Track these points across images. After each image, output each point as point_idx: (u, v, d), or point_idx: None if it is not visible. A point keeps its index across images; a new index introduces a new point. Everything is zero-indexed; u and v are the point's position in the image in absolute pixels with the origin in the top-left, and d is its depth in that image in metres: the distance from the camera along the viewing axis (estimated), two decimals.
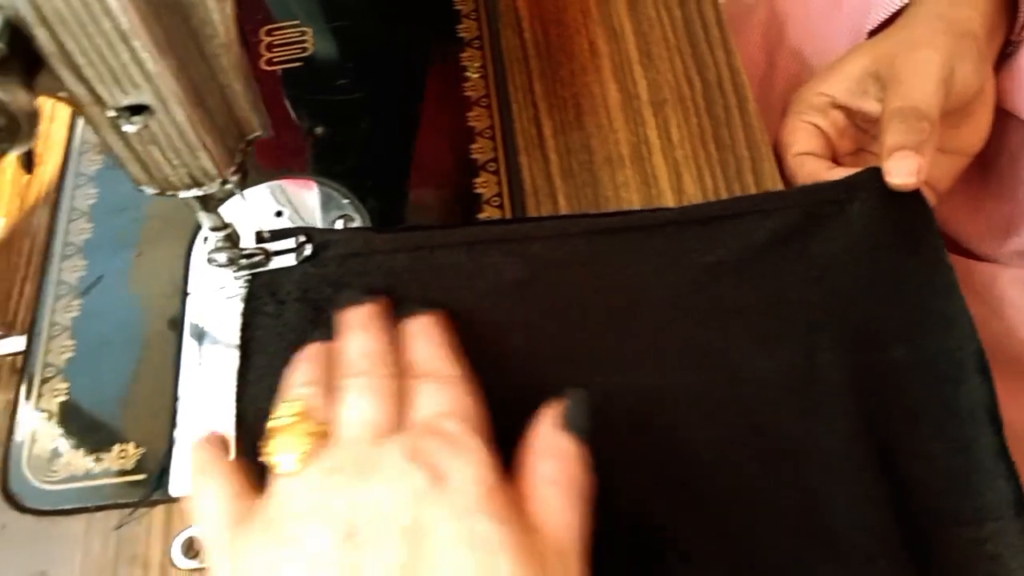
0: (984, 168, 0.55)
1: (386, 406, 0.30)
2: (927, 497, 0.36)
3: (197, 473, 0.31)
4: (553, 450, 0.30)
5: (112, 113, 0.28)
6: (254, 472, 0.30)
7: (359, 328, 0.34)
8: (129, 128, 0.28)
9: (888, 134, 0.39)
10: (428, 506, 0.27)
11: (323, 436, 0.30)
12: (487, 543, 0.27)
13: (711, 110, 0.44)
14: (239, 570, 0.28)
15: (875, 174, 0.38)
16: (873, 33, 0.50)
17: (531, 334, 0.39)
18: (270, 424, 0.30)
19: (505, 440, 0.33)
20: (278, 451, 0.29)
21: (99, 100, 0.28)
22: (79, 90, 0.28)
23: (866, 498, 0.35)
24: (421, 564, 0.26)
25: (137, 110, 0.29)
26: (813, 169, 0.42)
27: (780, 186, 0.42)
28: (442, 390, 0.31)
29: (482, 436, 0.30)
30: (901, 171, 0.37)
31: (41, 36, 0.26)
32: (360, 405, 0.30)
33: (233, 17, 0.28)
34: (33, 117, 0.27)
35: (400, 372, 0.32)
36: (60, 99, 0.29)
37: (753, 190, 0.42)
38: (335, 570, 0.26)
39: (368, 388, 0.31)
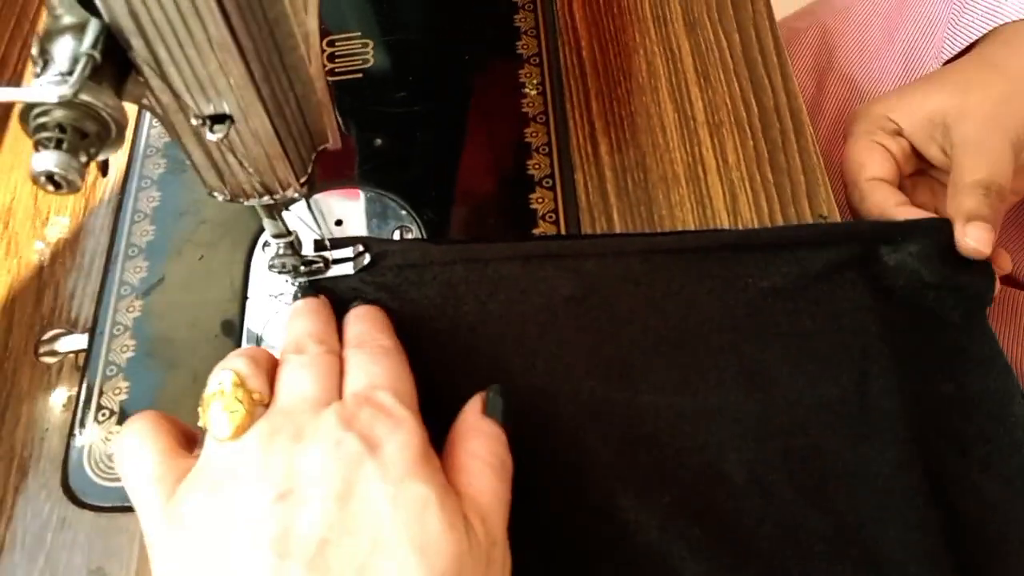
0: None
1: (322, 379, 0.32)
2: (978, 528, 0.36)
3: (127, 436, 0.31)
4: (478, 430, 0.33)
5: (195, 121, 0.29)
6: (184, 437, 0.32)
7: (302, 313, 0.35)
8: (211, 136, 0.29)
9: (967, 198, 0.40)
10: (361, 470, 0.28)
11: (259, 404, 0.31)
12: (415, 502, 0.28)
13: (767, 134, 0.45)
14: (173, 524, 0.29)
15: (940, 225, 0.39)
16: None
17: (584, 350, 0.39)
18: (205, 392, 0.31)
19: (552, 448, 0.34)
20: (212, 417, 0.30)
21: (184, 108, 0.29)
22: (165, 97, 0.28)
23: (918, 525, 0.35)
24: (351, 523, 0.27)
25: (219, 119, 0.29)
26: (882, 198, 0.42)
27: (834, 211, 0.42)
28: (373, 361, 0.33)
29: (411, 407, 0.31)
30: (977, 239, 0.39)
31: (137, 45, 0.26)
32: (297, 377, 0.31)
33: (316, 31, 0.29)
34: (123, 123, 0.28)
35: (336, 350, 0.34)
36: (143, 106, 0.30)
37: (807, 215, 0.42)
38: (268, 526, 0.27)
39: (305, 362, 0.32)
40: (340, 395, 0.32)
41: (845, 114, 0.65)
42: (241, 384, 0.31)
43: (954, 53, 0.49)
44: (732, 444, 0.37)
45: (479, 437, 0.32)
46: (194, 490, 0.29)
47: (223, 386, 0.31)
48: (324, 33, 0.51)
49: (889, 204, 0.41)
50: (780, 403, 0.37)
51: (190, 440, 0.32)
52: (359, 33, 0.50)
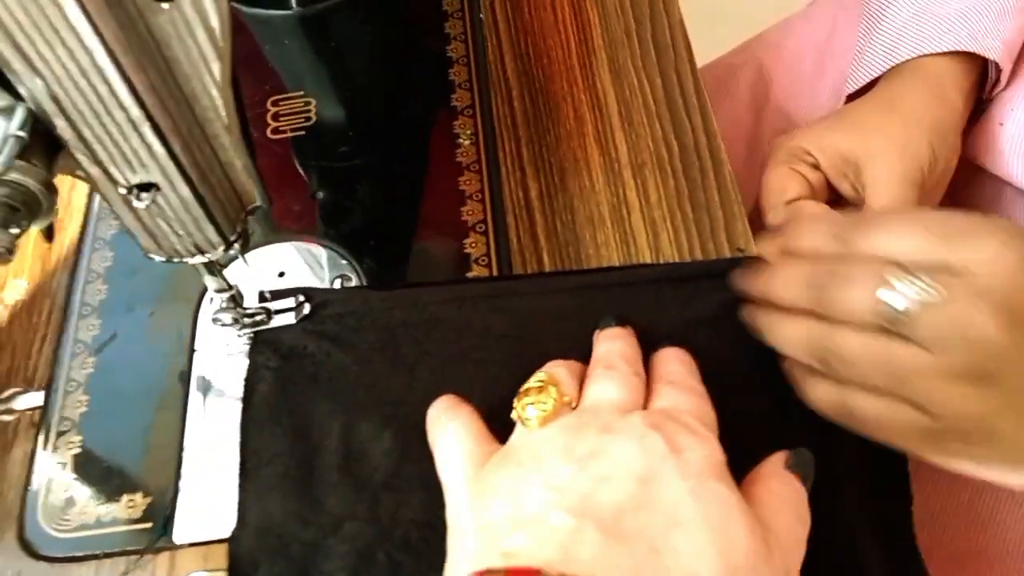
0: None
1: (629, 391, 0.34)
2: None
3: (436, 420, 0.35)
4: (782, 477, 0.33)
5: (123, 190, 0.31)
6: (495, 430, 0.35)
7: (613, 336, 0.38)
8: (139, 204, 0.31)
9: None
10: (663, 464, 0.29)
11: (567, 405, 0.33)
12: (716, 498, 0.29)
13: (688, 172, 0.47)
14: (480, 492, 0.31)
15: None
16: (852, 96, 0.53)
17: (519, 385, 0.41)
18: (523, 387, 0.34)
19: None
20: (525, 407, 0.33)
21: (112, 179, 0.31)
22: (94, 171, 0.31)
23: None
24: (649, 501, 0.28)
25: (146, 187, 0.32)
26: (814, 212, 0.44)
27: (751, 244, 0.44)
28: (683, 393, 0.34)
29: (715, 436, 0.32)
30: None
31: (61, 126, 0.29)
32: (605, 386, 0.34)
33: (232, 103, 0.31)
34: (51, 196, 0.30)
35: (643, 375, 0.36)
36: (77, 177, 0.32)
37: (726, 249, 0.44)
38: (568, 492, 0.29)
39: (615, 376, 0.34)
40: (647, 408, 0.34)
41: None
42: (554, 384, 0.33)
43: (855, 89, 0.52)
44: None
45: (786, 484, 0.32)
46: (500, 465, 0.31)
47: (538, 384, 0.34)
48: (270, 92, 0.53)
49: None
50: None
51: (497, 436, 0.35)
52: (303, 92, 0.53)
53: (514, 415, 0.34)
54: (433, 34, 0.54)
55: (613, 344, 0.37)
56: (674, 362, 0.37)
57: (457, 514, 0.32)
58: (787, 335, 0.35)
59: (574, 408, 0.33)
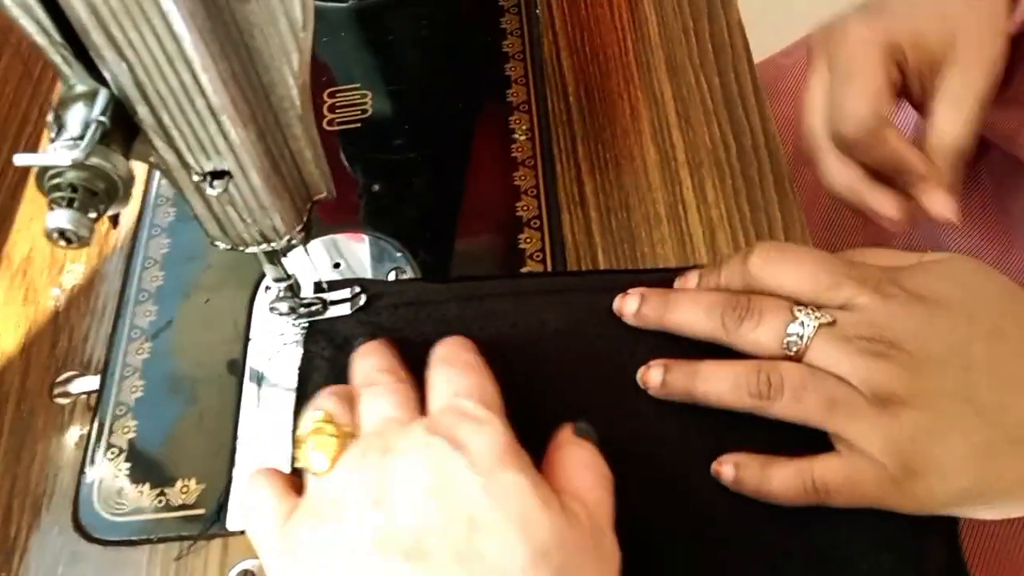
0: (1004, 235, 0.57)
1: (401, 402, 0.33)
2: None
3: (248, 486, 0.33)
4: (574, 443, 0.34)
5: (197, 177, 0.32)
6: (295, 483, 0.33)
7: (365, 353, 0.37)
8: (211, 191, 0.32)
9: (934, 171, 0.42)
10: (450, 465, 0.29)
11: (349, 437, 0.32)
12: (508, 487, 0.29)
13: (746, 172, 0.47)
14: (288, 554, 0.30)
15: None
16: None
17: (574, 379, 0.41)
18: (297, 433, 0.33)
19: None
20: (309, 454, 0.31)
21: (186, 165, 0.31)
22: (170, 156, 0.31)
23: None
24: (445, 511, 0.28)
25: (219, 175, 0.32)
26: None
27: (809, 244, 0.44)
28: (456, 373, 0.34)
29: (497, 412, 0.32)
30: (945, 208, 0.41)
31: (142, 111, 0.29)
32: (377, 403, 0.33)
33: (308, 92, 0.32)
34: (130, 182, 0.30)
35: (406, 379, 0.35)
36: (150, 163, 0.32)
37: None
38: (367, 532, 0.28)
39: (382, 391, 0.34)
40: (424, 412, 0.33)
41: None
42: (330, 420, 0.32)
43: None
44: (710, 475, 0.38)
45: (577, 447, 0.34)
46: (301, 521, 0.31)
47: (314, 425, 0.32)
48: (326, 85, 0.53)
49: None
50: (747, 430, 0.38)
51: (297, 486, 0.34)
52: (359, 85, 0.53)
53: (299, 465, 0.32)
54: (489, 29, 0.54)
55: (365, 362, 0.36)
56: (445, 344, 0.36)
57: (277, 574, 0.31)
58: (723, 376, 0.35)
59: (356, 436, 0.32)
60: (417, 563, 0.28)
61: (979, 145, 0.60)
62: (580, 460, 0.33)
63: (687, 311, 0.37)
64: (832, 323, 0.34)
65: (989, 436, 0.32)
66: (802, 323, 0.34)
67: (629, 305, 0.39)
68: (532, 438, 0.39)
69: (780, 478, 0.35)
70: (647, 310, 0.39)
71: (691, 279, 0.40)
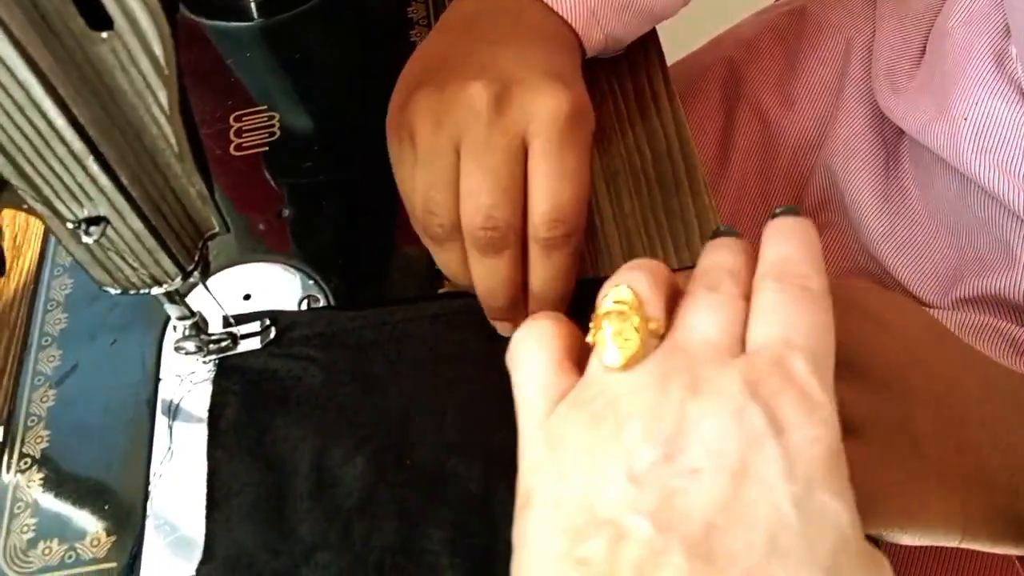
0: (931, 219, 0.57)
1: (730, 327, 0.27)
2: None
3: (523, 339, 0.30)
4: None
5: (70, 225, 0.30)
6: (577, 339, 0.29)
7: (724, 246, 0.30)
8: (87, 239, 0.30)
9: None
10: (761, 453, 0.24)
11: (654, 335, 0.27)
12: (825, 520, 0.23)
13: (661, 179, 0.46)
14: (549, 443, 0.27)
15: None
16: None
17: (492, 401, 0.40)
18: (598, 307, 0.28)
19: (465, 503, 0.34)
20: (604, 340, 0.27)
21: (58, 214, 0.30)
22: (38, 206, 0.29)
23: None
24: (746, 511, 0.23)
25: (95, 221, 0.30)
26: None
27: None
28: (794, 306, 0.27)
29: (830, 387, 0.26)
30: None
31: (0, 162, 0.27)
32: (703, 318, 0.27)
33: (183, 130, 0.30)
34: None
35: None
36: (24, 211, 0.31)
37: None
38: (650, 491, 0.24)
39: (716, 303, 0.27)
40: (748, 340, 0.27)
41: (756, 144, 0.67)
42: (639, 308, 0.27)
43: None
44: None
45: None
46: (574, 415, 0.27)
47: (617, 307, 0.27)
48: (232, 108, 0.52)
49: None
50: None
51: (584, 351, 0.29)
52: (265, 106, 0.51)
53: (590, 338, 0.28)
54: (398, 42, 0.53)
55: (719, 256, 0.29)
56: (787, 242, 0.29)
57: (533, 464, 0.27)
58: None
59: (663, 336, 0.27)
60: (698, 562, 0.23)
61: (898, 132, 0.60)
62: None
63: None
64: None
65: (920, 469, 0.31)
66: None
67: None
68: (454, 464, 0.39)
69: None
70: None
71: None
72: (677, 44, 0.56)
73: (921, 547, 0.51)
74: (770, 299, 0.27)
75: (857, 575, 0.23)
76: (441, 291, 0.44)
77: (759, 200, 0.67)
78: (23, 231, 0.49)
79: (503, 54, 0.38)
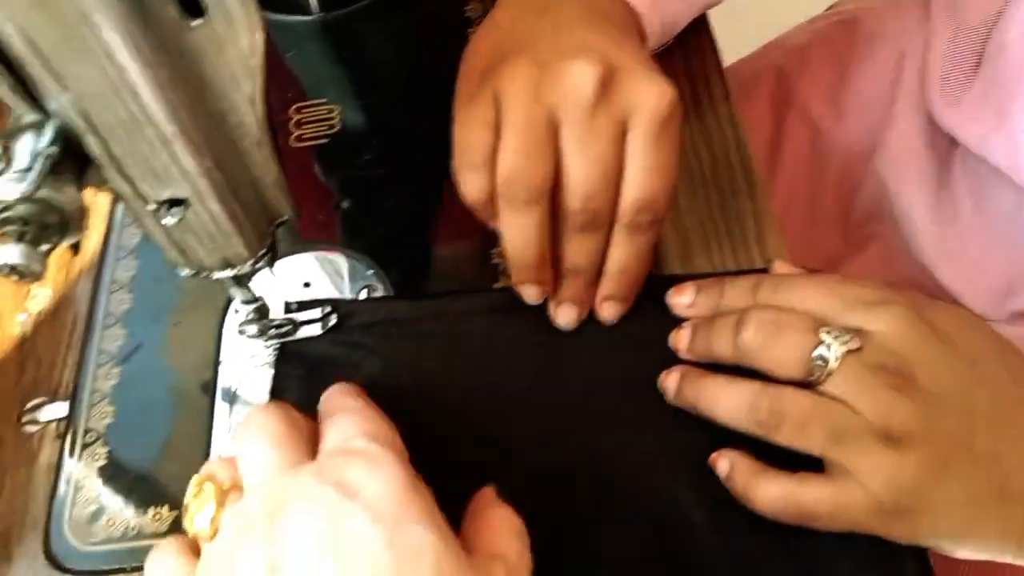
0: (985, 231, 0.57)
1: (288, 444, 0.30)
2: None
3: (153, 550, 0.31)
4: (497, 505, 0.33)
5: (152, 206, 0.31)
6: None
7: (261, 409, 0.33)
8: (168, 220, 0.31)
9: None
10: (347, 520, 0.27)
11: (233, 490, 0.30)
12: (414, 546, 0.26)
13: (717, 182, 0.46)
14: None
15: None
16: None
17: (550, 395, 0.40)
18: (184, 504, 0.30)
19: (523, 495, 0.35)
20: (192, 519, 0.29)
21: (141, 195, 0.31)
22: (123, 187, 0.30)
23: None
24: (353, 567, 0.26)
25: (175, 203, 0.31)
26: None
27: (784, 255, 0.44)
28: (346, 419, 0.31)
29: (390, 447, 0.30)
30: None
31: (91, 142, 0.28)
32: (258, 448, 0.30)
33: (264, 118, 0.31)
34: (82, 212, 0.30)
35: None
36: (106, 191, 0.32)
37: (758, 260, 0.43)
38: None
39: (265, 431, 0.31)
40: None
41: (805, 152, 0.67)
42: (208, 479, 0.30)
43: None
44: (690, 483, 0.38)
45: (498, 512, 0.32)
46: None
47: (195, 489, 0.30)
48: (292, 100, 0.53)
49: None
50: (722, 441, 0.38)
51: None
52: (326, 99, 0.52)
53: (187, 531, 0.30)
54: (457, 40, 0.54)
55: (248, 424, 0.32)
56: (330, 394, 0.34)
57: None
58: (726, 398, 0.35)
59: (240, 490, 0.30)
60: None
61: (951, 143, 0.60)
62: (500, 517, 0.32)
63: (713, 334, 0.37)
64: (859, 349, 0.33)
65: (981, 485, 0.32)
66: (828, 346, 0.33)
67: (683, 341, 0.39)
68: (512, 456, 0.39)
69: (765, 493, 0.34)
70: (694, 344, 0.39)
71: (686, 292, 0.40)
72: (727, 50, 0.56)
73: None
74: (327, 428, 0.31)
75: (453, 567, 0.26)
76: (496, 285, 0.45)
77: (806, 209, 0.67)
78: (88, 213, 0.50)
79: (596, 38, 0.38)
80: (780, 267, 0.40)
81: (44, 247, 0.29)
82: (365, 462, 0.28)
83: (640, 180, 0.36)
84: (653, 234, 0.38)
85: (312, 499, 0.27)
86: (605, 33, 0.39)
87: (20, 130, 0.28)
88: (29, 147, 0.28)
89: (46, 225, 0.29)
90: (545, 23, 0.40)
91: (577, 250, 0.38)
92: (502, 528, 0.31)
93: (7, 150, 0.28)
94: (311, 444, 0.31)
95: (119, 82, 0.26)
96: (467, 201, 0.39)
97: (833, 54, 0.68)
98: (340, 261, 0.46)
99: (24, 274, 0.28)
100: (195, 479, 0.31)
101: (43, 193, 0.28)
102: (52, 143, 0.28)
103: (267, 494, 0.29)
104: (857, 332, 0.33)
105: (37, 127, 0.28)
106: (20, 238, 0.28)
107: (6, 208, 0.28)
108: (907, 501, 0.32)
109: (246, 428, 0.31)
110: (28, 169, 0.27)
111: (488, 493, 0.33)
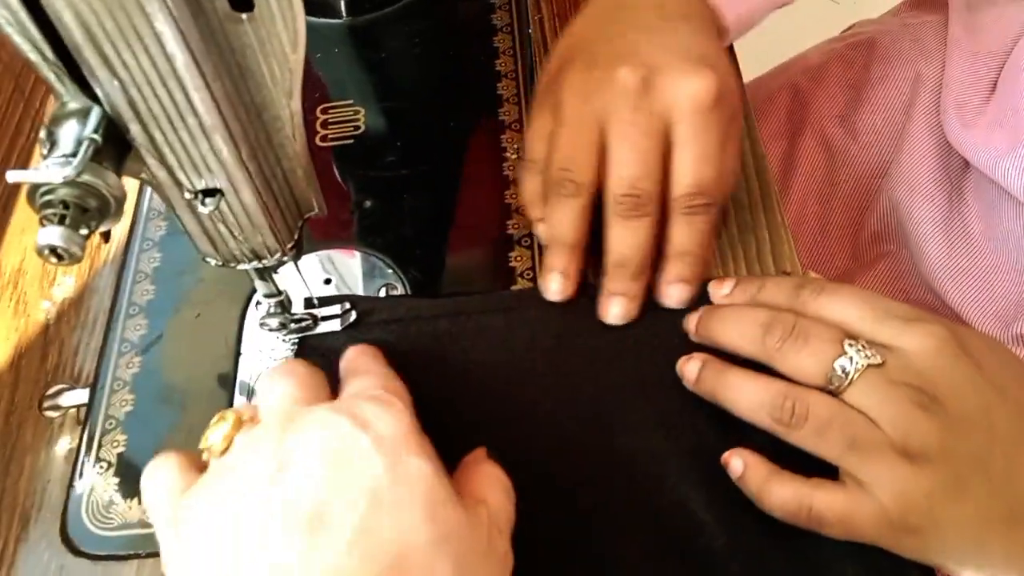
0: (994, 253, 0.57)
1: (309, 386, 0.33)
2: None
3: (150, 464, 0.34)
4: (484, 462, 0.35)
5: (188, 195, 0.32)
6: (200, 465, 0.33)
7: (288, 360, 0.38)
8: (203, 209, 0.32)
9: None
10: (355, 443, 0.29)
11: (248, 422, 0.32)
12: (414, 472, 0.29)
13: (734, 194, 0.47)
14: (184, 523, 0.30)
15: None
16: None
17: (563, 394, 0.41)
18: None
19: (532, 493, 0.36)
20: (207, 439, 0.32)
21: (178, 183, 0.31)
22: (161, 174, 0.31)
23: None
24: (347, 484, 0.28)
25: (210, 193, 0.32)
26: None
27: (797, 267, 0.44)
28: (367, 377, 0.35)
29: (402, 400, 0.33)
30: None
31: (134, 129, 0.29)
32: (280, 385, 0.33)
33: (299, 112, 0.32)
34: (121, 199, 0.30)
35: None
36: (142, 180, 0.32)
37: (772, 271, 0.44)
38: (268, 502, 0.28)
39: (289, 374, 0.34)
40: None
41: (818, 170, 0.67)
42: (232, 413, 0.33)
43: None
44: (700, 484, 0.38)
45: (486, 467, 0.35)
46: (198, 492, 0.31)
47: (215, 420, 0.33)
48: (319, 100, 0.54)
49: None
50: (733, 443, 0.38)
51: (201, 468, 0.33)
52: (351, 100, 0.53)
53: (204, 457, 0.33)
54: (482, 48, 0.55)
55: (274, 369, 0.36)
56: (354, 354, 0.38)
57: (169, 550, 0.31)
58: (749, 391, 0.36)
59: (256, 421, 0.33)
60: (318, 533, 0.27)
61: (964, 165, 0.61)
62: (488, 472, 0.34)
63: (731, 325, 0.38)
64: (881, 364, 0.33)
65: (994, 507, 0.32)
66: (851, 358, 0.34)
67: (691, 323, 0.40)
68: (523, 453, 0.40)
69: (777, 495, 0.35)
70: (701, 326, 0.40)
71: (726, 284, 0.41)
72: (744, 68, 0.57)
73: None
74: (348, 382, 0.35)
75: (449, 510, 0.29)
76: (513, 288, 0.46)
77: (817, 225, 0.68)
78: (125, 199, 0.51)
79: (648, 40, 0.41)
80: (814, 277, 0.41)
81: (83, 231, 0.30)
82: (377, 404, 0.31)
83: (686, 168, 0.38)
84: (710, 218, 0.39)
85: (325, 422, 0.30)
86: (667, 34, 0.41)
87: (65, 116, 0.29)
88: (74, 133, 0.29)
89: (85, 209, 0.30)
90: (610, 28, 0.43)
91: (622, 240, 0.40)
92: (489, 479, 0.34)
93: (52, 135, 0.29)
94: (331, 396, 0.34)
95: (167, 71, 0.27)
96: (521, 200, 0.43)
97: (849, 74, 0.69)
98: (360, 259, 0.47)
99: (63, 256, 0.29)
100: (218, 414, 0.33)
101: (84, 178, 0.29)
102: (96, 130, 0.29)
103: (282, 416, 0.31)
104: (885, 348, 0.34)
105: (82, 114, 0.29)
106: (61, 221, 0.29)
107: (49, 191, 0.29)
108: (917, 518, 0.32)
109: (272, 371, 0.34)
110: (72, 154, 0.28)
111: (480, 452, 0.36)
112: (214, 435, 0.32)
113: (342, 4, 0.57)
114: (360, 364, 0.37)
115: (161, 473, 0.33)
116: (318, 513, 0.28)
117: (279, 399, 0.33)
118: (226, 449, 0.31)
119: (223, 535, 0.29)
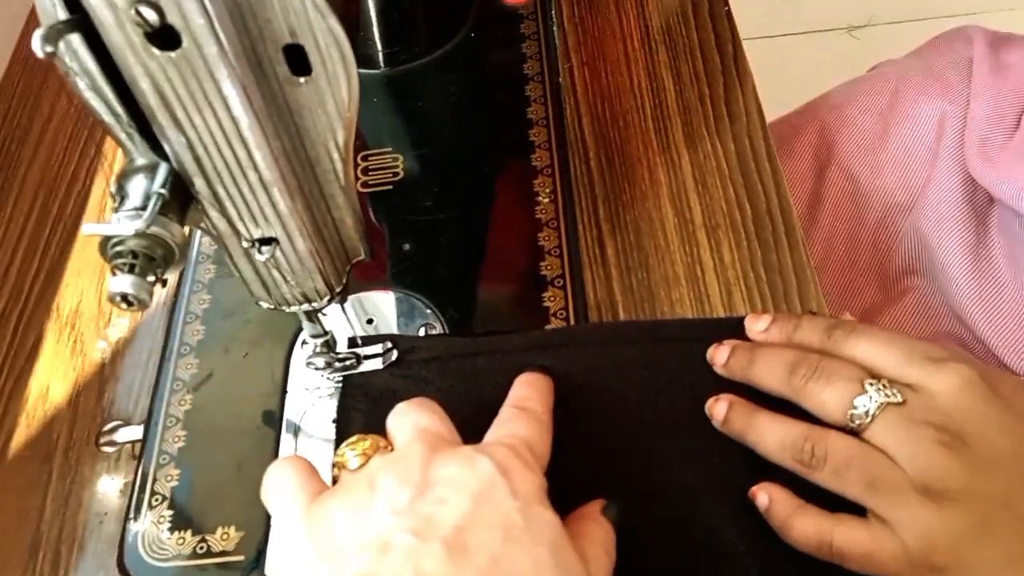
0: (1018, 288, 0.58)
1: (442, 420, 0.35)
2: None
3: (274, 467, 0.35)
4: (596, 521, 0.36)
5: (246, 244, 0.34)
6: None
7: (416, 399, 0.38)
8: (260, 257, 0.34)
9: None
10: (493, 487, 0.31)
11: (385, 448, 0.34)
12: (542, 522, 0.31)
13: (760, 235, 0.49)
14: (316, 526, 0.31)
15: None
16: None
17: (597, 430, 0.42)
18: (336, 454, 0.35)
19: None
20: (344, 457, 0.34)
21: (236, 233, 0.34)
22: (222, 224, 0.33)
23: None
24: (486, 518, 0.30)
25: (267, 241, 0.34)
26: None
27: (823, 307, 0.46)
28: (520, 421, 0.37)
29: (542, 466, 0.35)
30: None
31: (199, 184, 0.31)
32: (414, 417, 0.35)
33: (351, 164, 0.34)
34: (184, 247, 0.33)
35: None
36: (201, 229, 0.35)
37: (798, 310, 0.45)
38: (409, 517, 0.30)
39: (424, 407, 0.36)
40: None
41: (845, 207, 0.69)
42: (368, 436, 0.35)
43: None
44: (733, 517, 0.39)
45: (597, 524, 0.36)
46: (332, 499, 0.32)
47: (354, 439, 0.35)
48: (358, 148, 0.56)
49: None
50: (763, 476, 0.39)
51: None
52: (390, 148, 0.56)
53: (334, 472, 0.34)
54: (514, 96, 0.57)
55: (406, 404, 0.37)
56: (527, 387, 0.40)
57: (295, 546, 0.32)
58: (773, 433, 0.37)
59: (392, 448, 0.34)
60: (455, 554, 0.29)
61: (989, 200, 0.62)
62: (596, 534, 0.35)
63: (760, 366, 0.39)
64: (901, 403, 0.34)
65: (1021, 547, 0.33)
66: (870, 397, 0.34)
67: (720, 355, 0.41)
68: (560, 488, 0.41)
69: (800, 529, 0.36)
70: (733, 362, 0.40)
71: (763, 320, 0.41)
72: (769, 107, 0.59)
73: None
74: (505, 417, 0.37)
75: (572, 559, 0.31)
76: (547, 327, 0.47)
77: (846, 261, 0.69)
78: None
79: None
80: (847, 318, 0.42)
81: (150, 279, 0.32)
82: (521, 464, 0.33)
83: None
84: None
85: (469, 460, 0.32)
86: None
87: (134, 171, 0.31)
88: (142, 187, 0.31)
89: (152, 258, 0.32)
90: None
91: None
92: (593, 540, 0.34)
93: (122, 189, 0.31)
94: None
95: (232, 131, 0.29)
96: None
97: (875, 112, 0.71)
98: (401, 300, 0.49)
99: (133, 303, 0.31)
100: (352, 437, 0.35)
101: (153, 230, 0.31)
102: (163, 185, 0.31)
103: (426, 445, 0.33)
104: (910, 388, 0.34)
105: (150, 169, 0.31)
106: (131, 270, 0.31)
107: (120, 242, 0.31)
108: (940, 558, 0.33)
109: (407, 405, 0.36)
110: (142, 207, 0.30)
111: (595, 505, 0.37)
112: (352, 451, 0.34)
113: (380, 55, 0.60)
114: (525, 400, 0.39)
115: (290, 473, 0.34)
116: (459, 537, 0.30)
117: (422, 430, 0.34)
118: (361, 467, 0.33)
119: (366, 540, 0.30)
